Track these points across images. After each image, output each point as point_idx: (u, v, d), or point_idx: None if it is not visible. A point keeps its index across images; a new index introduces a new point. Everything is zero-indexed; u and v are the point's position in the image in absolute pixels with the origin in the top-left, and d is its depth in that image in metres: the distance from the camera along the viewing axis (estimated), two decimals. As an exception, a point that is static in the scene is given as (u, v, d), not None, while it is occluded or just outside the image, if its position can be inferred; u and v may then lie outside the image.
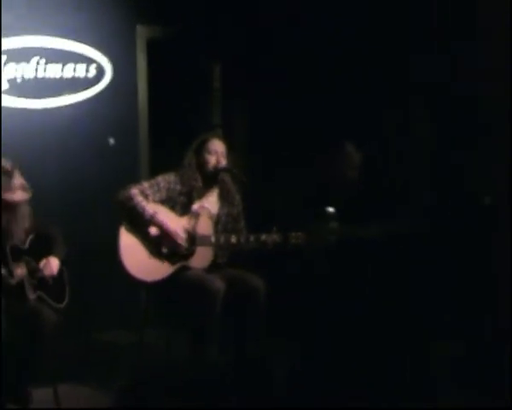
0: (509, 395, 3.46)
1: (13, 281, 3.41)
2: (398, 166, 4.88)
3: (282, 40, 5.29)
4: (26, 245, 3.60)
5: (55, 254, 3.66)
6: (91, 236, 4.68)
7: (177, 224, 3.79)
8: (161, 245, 3.76)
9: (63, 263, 3.69)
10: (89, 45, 4.92)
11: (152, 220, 3.74)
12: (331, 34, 5.23)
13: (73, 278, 3.79)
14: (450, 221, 4.33)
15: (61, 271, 3.68)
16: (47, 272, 3.59)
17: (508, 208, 4.18)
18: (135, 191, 3.76)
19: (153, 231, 3.77)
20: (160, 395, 3.67)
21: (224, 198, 3.98)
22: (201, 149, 3.92)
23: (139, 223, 3.75)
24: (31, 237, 3.64)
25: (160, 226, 3.75)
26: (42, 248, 3.65)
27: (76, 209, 4.76)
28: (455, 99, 4.66)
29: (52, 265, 3.63)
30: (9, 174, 3.50)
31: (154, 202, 3.80)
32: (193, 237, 3.79)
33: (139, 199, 3.74)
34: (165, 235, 3.75)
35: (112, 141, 4.47)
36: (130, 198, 3.74)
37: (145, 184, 3.84)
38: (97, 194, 4.76)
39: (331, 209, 3.98)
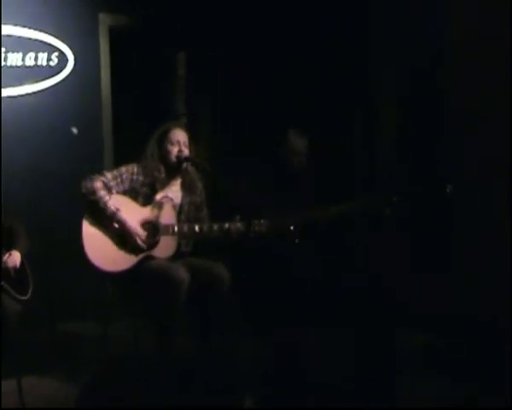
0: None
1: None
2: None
3: (246, 28, 5.30)
4: (-12, 239, 3.60)
5: (18, 248, 3.68)
6: (55, 225, 4.65)
7: (139, 216, 3.77)
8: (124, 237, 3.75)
9: (26, 257, 3.69)
10: (51, 34, 4.89)
11: (113, 218, 3.71)
12: (299, 26, 5.28)
13: (38, 269, 3.79)
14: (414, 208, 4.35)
15: (23, 264, 3.68)
16: (10, 265, 3.59)
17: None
18: (98, 185, 3.71)
19: (115, 224, 3.75)
20: (128, 388, 3.67)
21: (186, 188, 3.96)
22: (164, 139, 3.88)
23: (101, 217, 3.72)
24: (-7, 230, 3.64)
25: (122, 225, 3.71)
26: (4, 242, 3.65)
27: (39, 199, 4.71)
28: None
29: (15, 257, 3.65)
30: None
31: (118, 193, 3.78)
32: (156, 227, 3.78)
33: (102, 194, 3.70)
34: (126, 233, 3.73)
35: (75, 130, 4.43)
36: (93, 192, 3.70)
37: (108, 176, 3.79)
38: (60, 183, 4.74)
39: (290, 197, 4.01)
